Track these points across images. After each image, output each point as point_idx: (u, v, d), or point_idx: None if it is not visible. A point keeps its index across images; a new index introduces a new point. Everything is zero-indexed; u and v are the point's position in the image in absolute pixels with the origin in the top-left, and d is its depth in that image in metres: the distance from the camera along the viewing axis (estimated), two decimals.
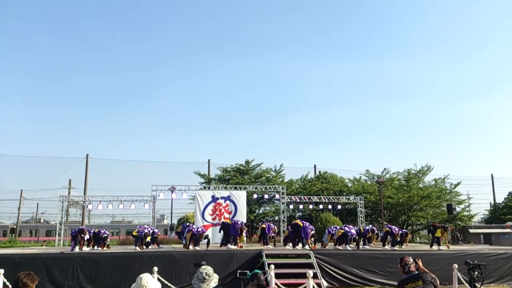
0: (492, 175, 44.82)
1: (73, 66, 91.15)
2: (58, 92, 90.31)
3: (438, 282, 6.01)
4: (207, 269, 4.29)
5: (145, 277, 4.54)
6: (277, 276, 11.50)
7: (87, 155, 39.03)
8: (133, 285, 4.50)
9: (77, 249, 16.02)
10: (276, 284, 9.53)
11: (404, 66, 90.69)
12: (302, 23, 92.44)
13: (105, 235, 17.64)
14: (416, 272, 6.01)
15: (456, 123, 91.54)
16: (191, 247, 16.40)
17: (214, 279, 4.26)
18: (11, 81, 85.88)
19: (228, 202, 22.24)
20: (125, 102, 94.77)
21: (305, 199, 26.05)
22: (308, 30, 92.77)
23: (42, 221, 54.52)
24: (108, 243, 18.01)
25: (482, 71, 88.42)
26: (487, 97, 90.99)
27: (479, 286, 8.70)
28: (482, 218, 41.13)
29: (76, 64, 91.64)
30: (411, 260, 6.18)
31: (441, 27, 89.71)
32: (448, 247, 17.55)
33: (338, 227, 18.10)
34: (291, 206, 26.08)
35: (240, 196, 22.53)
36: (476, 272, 8.59)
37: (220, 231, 18.03)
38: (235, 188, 24.00)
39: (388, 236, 18.27)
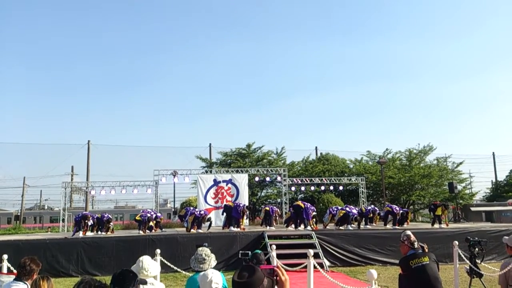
0: (493, 153, 44.98)
1: (73, 54, 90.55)
2: (59, 80, 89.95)
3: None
4: (204, 250, 4.35)
5: (145, 259, 4.61)
6: (279, 256, 11.58)
7: (89, 141, 39.19)
8: (133, 266, 4.56)
9: (80, 234, 16.16)
10: (278, 264, 9.60)
11: (405, 45, 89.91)
12: (301, 5, 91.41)
13: (108, 218, 17.84)
14: (421, 250, 6.05)
15: (458, 102, 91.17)
16: (193, 230, 16.53)
17: (213, 258, 4.34)
18: (11, 70, 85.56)
19: (230, 185, 22.30)
20: (125, 89, 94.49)
21: (307, 181, 26.12)
22: (305, 12, 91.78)
23: (46, 207, 54.95)
24: (112, 227, 18.19)
25: (482, 49, 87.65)
26: (487, 75, 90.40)
27: (479, 262, 8.75)
28: (483, 196, 41.22)
29: (75, 52, 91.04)
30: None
31: (442, 3, 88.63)
32: (447, 225, 17.64)
33: (339, 208, 18.18)
34: (293, 188, 26.15)
35: (242, 179, 22.59)
36: (476, 249, 8.64)
37: (223, 214, 18.17)
38: (237, 172, 24.05)
39: (389, 216, 18.38)
